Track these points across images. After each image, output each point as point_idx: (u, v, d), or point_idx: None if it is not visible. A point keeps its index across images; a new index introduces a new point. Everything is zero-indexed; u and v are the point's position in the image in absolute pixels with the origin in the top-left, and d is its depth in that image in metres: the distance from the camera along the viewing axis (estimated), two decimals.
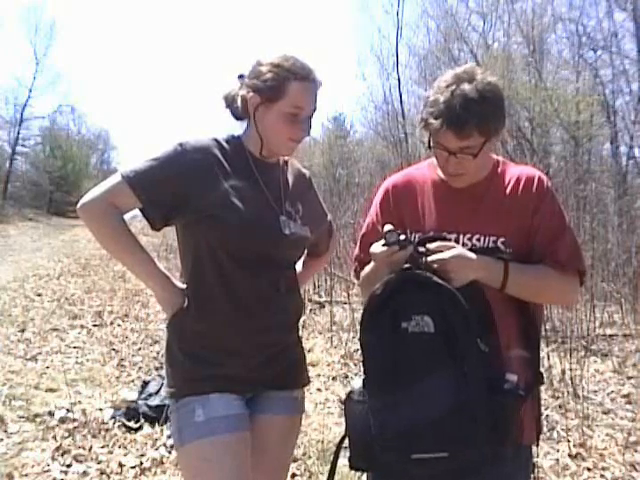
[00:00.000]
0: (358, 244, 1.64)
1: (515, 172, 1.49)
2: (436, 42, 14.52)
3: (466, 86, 1.34)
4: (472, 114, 1.32)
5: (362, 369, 1.35)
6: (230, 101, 1.56)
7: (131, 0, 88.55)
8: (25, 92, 28.10)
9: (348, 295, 6.67)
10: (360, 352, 1.35)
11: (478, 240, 1.42)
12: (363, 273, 1.58)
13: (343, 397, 1.46)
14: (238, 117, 1.57)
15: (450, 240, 1.39)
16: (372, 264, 1.49)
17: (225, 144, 1.51)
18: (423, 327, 1.24)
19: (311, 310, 6.94)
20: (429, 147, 1.43)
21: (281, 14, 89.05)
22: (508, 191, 1.45)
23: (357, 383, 1.36)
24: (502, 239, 1.41)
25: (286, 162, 1.63)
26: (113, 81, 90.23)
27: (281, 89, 1.44)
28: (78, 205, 1.46)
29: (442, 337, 1.23)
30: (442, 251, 1.32)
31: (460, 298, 1.24)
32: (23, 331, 5.92)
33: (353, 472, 1.44)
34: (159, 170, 1.43)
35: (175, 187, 1.43)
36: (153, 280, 1.49)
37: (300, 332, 1.64)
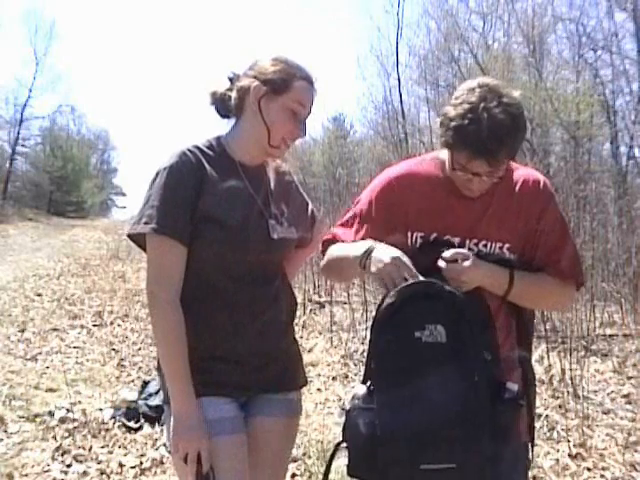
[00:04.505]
0: (338, 224, 1.57)
1: (520, 175, 1.47)
2: (436, 42, 14.51)
3: (496, 111, 1.25)
4: (506, 144, 1.27)
5: (366, 374, 1.33)
6: (218, 98, 1.52)
7: (131, 0, 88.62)
8: (25, 92, 28.14)
9: (348, 295, 6.67)
10: (372, 360, 1.32)
11: (485, 246, 1.41)
12: (334, 251, 1.52)
13: (343, 397, 1.45)
14: (224, 115, 1.53)
15: (454, 244, 1.39)
16: (350, 251, 1.42)
17: (208, 150, 1.47)
18: (436, 337, 1.23)
19: (311, 310, 6.93)
20: (453, 168, 1.37)
21: (281, 14, 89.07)
22: (515, 196, 1.44)
23: (360, 390, 1.32)
24: (508, 245, 1.41)
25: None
26: (113, 81, 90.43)
27: (288, 83, 1.43)
28: (148, 299, 1.43)
29: (453, 346, 1.23)
30: (457, 260, 1.32)
31: (468, 308, 1.24)
32: (23, 331, 5.92)
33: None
34: (172, 199, 1.39)
35: (188, 205, 1.40)
36: (177, 384, 1.39)
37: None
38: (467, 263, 1.30)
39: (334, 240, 1.55)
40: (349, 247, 1.46)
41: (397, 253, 1.32)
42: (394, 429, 1.23)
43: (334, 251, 1.53)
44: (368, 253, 1.36)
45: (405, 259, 1.31)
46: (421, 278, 1.29)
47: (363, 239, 1.46)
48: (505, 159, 1.31)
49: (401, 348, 1.25)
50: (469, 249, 1.40)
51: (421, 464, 1.22)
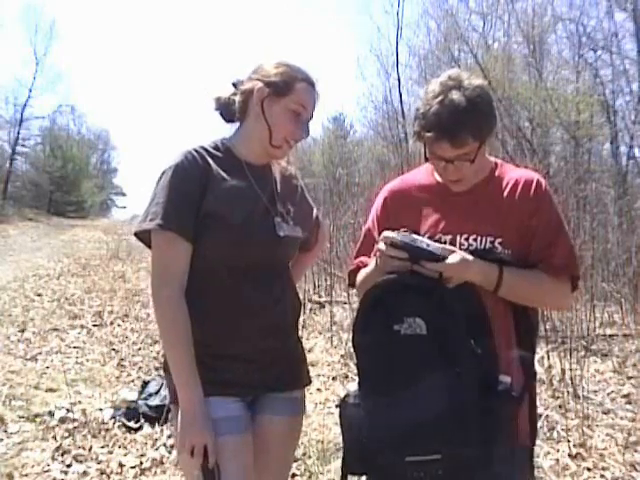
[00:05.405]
0: (355, 252, 1.63)
1: (514, 175, 1.49)
2: (436, 42, 14.51)
3: (454, 95, 1.34)
4: (464, 124, 1.33)
5: (356, 371, 1.35)
6: (223, 103, 1.56)
7: (131, 0, 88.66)
8: (25, 92, 28.21)
9: (348, 295, 6.66)
10: (354, 354, 1.35)
11: (475, 240, 1.42)
12: (360, 277, 1.57)
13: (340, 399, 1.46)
14: (228, 119, 1.57)
15: (445, 242, 1.40)
16: (371, 266, 1.48)
17: (214, 151, 1.50)
18: (415, 329, 1.24)
19: (311, 310, 6.93)
20: (426, 159, 1.44)
21: (281, 14, 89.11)
22: (506, 193, 1.46)
23: (352, 386, 1.35)
24: (499, 240, 1.41)
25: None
26: (113, 81, 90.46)
27: (290, 85, 1.47)
28: (152, 295, 1.42)
29: (435, 339, 1.23)
30: (446, 256, 1.32)
31: (449, 301, 1.25)
32: (23, 331, 5.92)
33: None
34: (176, 197, 1.41)
35: (193, 202, 1.42)
36: (183, 379, 1.39)
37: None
38: (451, 259, 1.30)
39: (359, 269, 1.58)
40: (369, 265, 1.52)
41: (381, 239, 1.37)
42: (379, 424, 1.24)
43: (361, 276, 1.56)
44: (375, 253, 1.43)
45: (386, 234, 1.35)
46: (398, 236, 1.31)
47: None
48: (469, 140, 1.35)
49: (382, 341, 1.26)
50: (460, 244, 1.41)
51: (406, 456, 1.23)
